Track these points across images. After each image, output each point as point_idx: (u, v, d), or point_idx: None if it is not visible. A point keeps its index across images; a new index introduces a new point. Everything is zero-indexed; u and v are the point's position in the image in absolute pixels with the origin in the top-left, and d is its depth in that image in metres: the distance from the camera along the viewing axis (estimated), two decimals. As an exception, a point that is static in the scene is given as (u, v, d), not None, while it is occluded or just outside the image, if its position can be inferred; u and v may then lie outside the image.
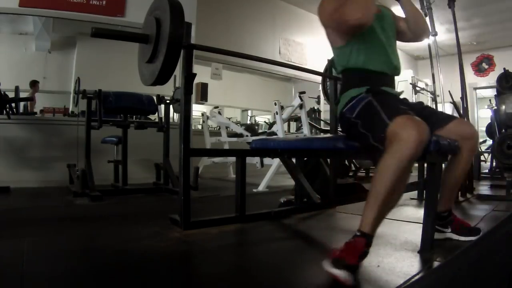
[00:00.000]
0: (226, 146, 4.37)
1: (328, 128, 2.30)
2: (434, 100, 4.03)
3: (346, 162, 4.58)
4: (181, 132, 1.66)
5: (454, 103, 3.36)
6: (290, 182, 2.56)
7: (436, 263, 1.14)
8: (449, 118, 1.43)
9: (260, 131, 5.52)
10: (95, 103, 2.95)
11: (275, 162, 3.33)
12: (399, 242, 1.42)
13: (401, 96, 1.50)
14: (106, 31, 1.73)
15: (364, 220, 1.14)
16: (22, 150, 3.48)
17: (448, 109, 4.14)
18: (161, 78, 1.57)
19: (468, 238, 1.42)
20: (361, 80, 1.40)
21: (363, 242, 1.12)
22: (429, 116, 1.36)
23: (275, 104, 3.57)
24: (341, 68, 1.48)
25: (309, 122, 4.06)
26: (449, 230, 1.47)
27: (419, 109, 1.43)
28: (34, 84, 5.44)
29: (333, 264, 1.04)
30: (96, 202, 2.56)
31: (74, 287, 1.04)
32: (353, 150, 1.44)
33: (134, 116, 3.68)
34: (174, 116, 4.70)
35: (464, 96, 3.11)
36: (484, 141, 6.46)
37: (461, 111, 3.13)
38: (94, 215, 2.18)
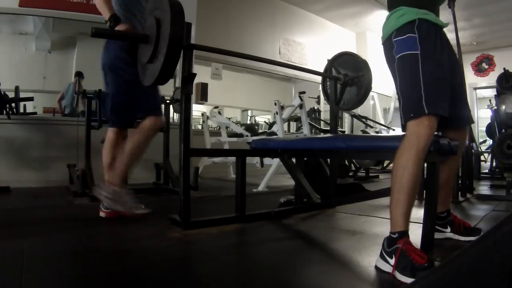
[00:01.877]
0: (226, 146, 4.37)
1: (328, 128, 2.30)
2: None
3: (346, 162, 4.59)
4: (181, 132, 1.66)
5: (454, 103, 3.35)
6: (290, 182, 2.56)
7: (436, 263, 1.14)
8: (467, 122, 1.46)
9: (260, 131, 5.52)
10: (95, 103, 2.95)
11: (275, 162, 3.33)
12: (399, 242, 1.42)
13: None
14: (106, 31, 1.73)
15: (394, 218, 1.16)
16: (22, 150, 3.48)
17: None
18: (161, 78, 1.57)
19: (468, 238, 1.42)
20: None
21: (408, 240, 1.13)
22: (455, 98, 1.33)
23: (275, 104, 3.57)
24: None
25: (309, 122, 4.06)
26: (449, 230, 1.47)
27: (453, 69, 1.37)
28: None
29: (411, 274, 1.04)
30: (96, 202, 2.55)
31: (73, 287, 1.04)
32: (353, 150, 1.44)
33: (134, 116, 3.68)
34: (174, 116, 4.71)
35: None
36: (484, 141, 6.46)
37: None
38: (94, 215, 2.17)
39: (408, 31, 1.24)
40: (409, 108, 1.21)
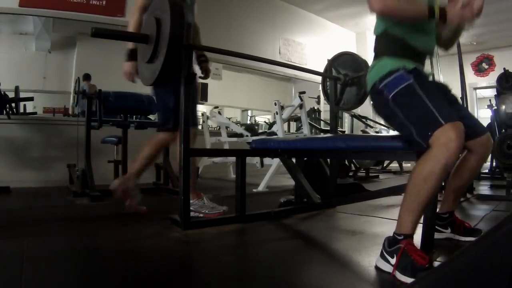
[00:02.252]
0: (226, 146, 4.37)
1: (328, 128, 2.30)
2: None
3: (346, 162, 4.59)
4: (181, 132, 1.66)
5: (454, 103, 3.35)
6: (290, 182, 2.56)
7: (436, 263, 1.14)
8: (481, 130, 1.35)
9: (260, 131, 5.52)
10: (95, 103, 2.95)
11: (275, 162, 3.33)
12: (399, 242, 1.42)
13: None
14: (106, 31, 1.73)
15: (403, 223, 1.13)
16: (22, 150, 3.48)
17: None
18: (161, 78, 1.58)
19: (468, 238, 1.42)
20: (401, 50, 1.29)
21: (411, 241, 1.12)
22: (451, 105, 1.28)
23: (275, 104, 3.57)
24: (379, 30, 1.36)
25: (309, 122, 4.06)
26: (449, 231, 1.47)
27: (446, 93, 1.38)
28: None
29: (411, 274, 1.03)
30: (96, 202, 2.56)
31: (74, 287, 1.04)
32: (353, 150, 1.44)
33: (134, 116, 3.68)
34: (174, 116, 4.70)
35: (464, 96, 3.11)
36: (484, 141, 6.44)
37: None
38: (94, 215, 2.18)
39: (394, 72, 1.24)
40: (424, 128, 1.11)
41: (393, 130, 1.31)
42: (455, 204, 1.52)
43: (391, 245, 1.13)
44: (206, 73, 2.22)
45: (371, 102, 1.35)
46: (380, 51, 1.35)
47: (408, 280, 1.03)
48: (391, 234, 1.15)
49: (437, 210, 1.42)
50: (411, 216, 1.12)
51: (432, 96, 1.16)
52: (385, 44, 1.34)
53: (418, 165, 1.12)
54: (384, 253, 1.14)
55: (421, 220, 1.26)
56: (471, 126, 1.28)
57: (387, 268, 1.11)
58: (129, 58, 1.93)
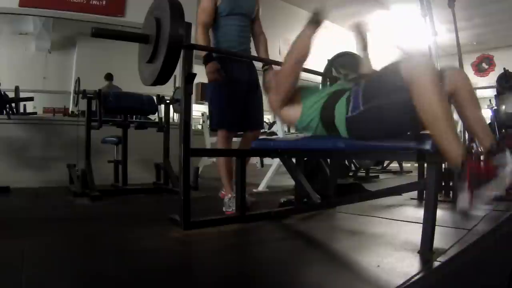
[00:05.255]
0: (226, 146, 4.36)
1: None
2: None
3: (346, 162, 4.58)
4: (181, 132, 1.66)
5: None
6: (290, 182, 2.55)
7: (436, 263, 1.14)
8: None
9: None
10: (95, 103, 2.95)
11: (275, 162, 3.33)
12: (399, 242, 1.42)
13: None
14: (106, 31, 1.73)
15: (450, 151, 1.14)
16: (22, 150, 3.48)
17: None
18: (161, 78, 1.57)
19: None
20: None
21: (468, 163, 1.12)
22: None
23: (275, 104, 3.56)
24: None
25: (309, 122, 4.04)
26: None
27: None
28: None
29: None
30: (96, 202, 2.56)
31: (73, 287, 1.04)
32: (353, 150, 1.44)
33: (134, 116, 3.68)
34: (174, 116, 4.70)
35: (464, 96, 3.10)
36: (484, 141, 6.44)
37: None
38: (94, 215, 2.18)
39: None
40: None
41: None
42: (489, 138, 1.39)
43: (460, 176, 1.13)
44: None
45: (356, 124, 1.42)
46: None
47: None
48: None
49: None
50: (446, 139, 1.14)
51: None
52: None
53: (419, 99, 1.16)
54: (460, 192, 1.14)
55: (421, 220, 1.27)
56: None
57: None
58: (208, 59, 1.98)
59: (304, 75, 2.40)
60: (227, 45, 2.13)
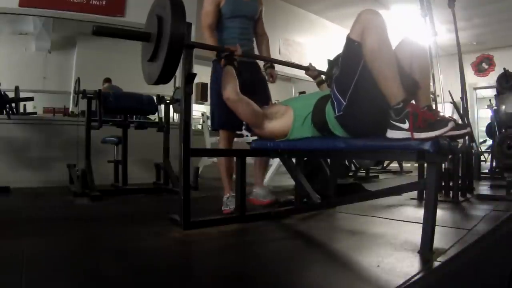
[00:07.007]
0: (226, 146, 4.36)
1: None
2: (434, 100, 4.04)
3: (346, 162, 4.58)
4: (181, 132, 1.66)
5: (454, 103, 3.36)
6: (290, 182, 2.56)
7: (436, 263, 1.14)
8: None
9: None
10: (95, 103, 2.95)
11: (275, 162, 3.33)
12: (399, 242, 1.42)
13: None
14: (107, 29, 1.72)
15: (393, 93, 1.27)
16: (22, 150, 3.48)
17: (448, 109, 4.14)
18: (163, 77, 1.57)
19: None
20: None
21: (413, 104, 1.26)
22: None
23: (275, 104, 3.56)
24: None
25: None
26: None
27: None
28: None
29: (430, 129, 1.15)
30: (96, 202, 2.56)
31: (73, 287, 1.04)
32: (353, 150, 1.44)
33: (134, 116, 3.68)
34: (174, 116, 4.70)
35: (464, 96, 3.12)
36: (484, 141, 6.45)
37: (461, 111, 3.13)
38: (94, 215, 2.18)
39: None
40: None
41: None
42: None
43: (398, 114, 1.22)
44: (272, 78, 2.39)
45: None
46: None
47: (429, 134, 1.14)
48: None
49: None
50: (392, 81, 1.27)
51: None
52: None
53: (367, 48, 1.32)
54: (394, 123, 1.23)
55: (421, 220, 1.27)
56: None
57: (402, 134, 1.21)
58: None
59: (304, 75, 2.41)
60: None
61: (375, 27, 1.32)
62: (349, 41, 1.40)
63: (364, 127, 1.44)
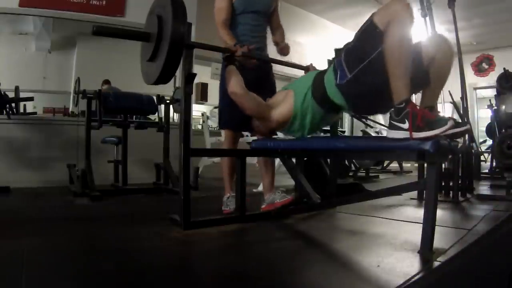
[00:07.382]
0: (226, 146, 4.36)
1: (329, 128, 2.30)
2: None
3: (346, 162, 4.58)
4: (181, 132, 1.66)
5: (454, 103, 3.36)
6: (290, 182, 2.56)
7: (436, 263, 1.14)
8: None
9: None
10: (95, 103, 2.95)
11: (275, 162, 3.32)
12: (399, 242, 1.42)
13: None
14: (107, 29, 1.73)
15: (398, 91, 1.26)
16: (22, 150, 3.48)
17: (448, 109, 4.14)
18: (163, 77, 1.57)
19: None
20: None
21: (413, 103, 1.25)
22: None
23: (275, 104, 3.56)
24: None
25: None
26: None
27: None
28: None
29: (428, 128, 1.16)
30: (96, 202, 2.56)
31: (73, 287, 1.04)
32: (353, 150, 1.44)
33: (134, 116, 3.68)
34: (174, 116, 4.70)
35: (464, 96, 3.12)
36: (484, 141, 6.45)
37: (461, 111, 3.13)
38: (94, 215, 2.18)
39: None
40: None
41: None
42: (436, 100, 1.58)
43: (398, 114, 1.24)
44: (283, 51, 2.41)
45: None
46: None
47: (429, 134, 1.15)
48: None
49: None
50: (401, 80, 1.25)
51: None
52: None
53: (388, 36, 1.28)
54: (394, 123, 1.25)
55: (421, 220, 1.27)
56: None
57: (402, 134, 1.21)
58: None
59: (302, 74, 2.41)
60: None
61: (402, 23, 1.27)
62: (372, 25, 1.36)
63: (364, 101, 1.47)
